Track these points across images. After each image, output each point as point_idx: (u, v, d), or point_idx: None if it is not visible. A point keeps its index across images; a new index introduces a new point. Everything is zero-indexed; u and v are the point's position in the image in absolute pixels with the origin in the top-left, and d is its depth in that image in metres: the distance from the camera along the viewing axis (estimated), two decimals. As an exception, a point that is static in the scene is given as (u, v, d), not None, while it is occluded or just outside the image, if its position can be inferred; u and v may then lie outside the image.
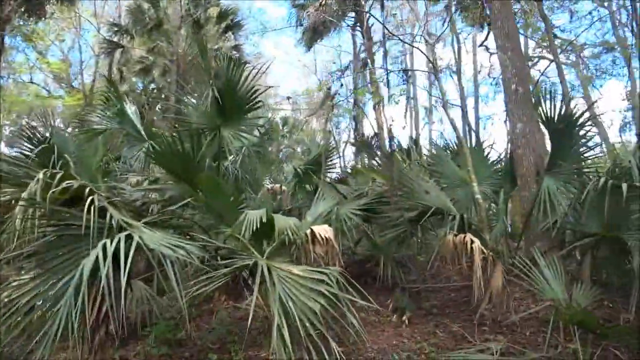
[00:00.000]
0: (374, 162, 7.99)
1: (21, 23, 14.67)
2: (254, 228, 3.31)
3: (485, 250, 3.46)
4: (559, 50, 12.83)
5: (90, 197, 2.59)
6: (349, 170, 7.10)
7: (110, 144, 5.02)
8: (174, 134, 4.14)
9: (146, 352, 3.86)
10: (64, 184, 2.59)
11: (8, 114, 17.03)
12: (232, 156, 4.82)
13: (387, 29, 11.35)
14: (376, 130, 9.81)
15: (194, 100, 5.05)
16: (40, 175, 2.57)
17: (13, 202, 3.59)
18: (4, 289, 2.76)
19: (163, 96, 14.30)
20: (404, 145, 8.45)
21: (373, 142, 9.40)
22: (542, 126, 4.98)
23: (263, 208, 3.55)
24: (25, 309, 2.51)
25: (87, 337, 2.62)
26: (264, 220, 3.34)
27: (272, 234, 3.47)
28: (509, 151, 5.97)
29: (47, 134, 5.02)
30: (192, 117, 4.72)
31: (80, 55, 17.58)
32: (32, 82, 18.86)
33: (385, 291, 4.50)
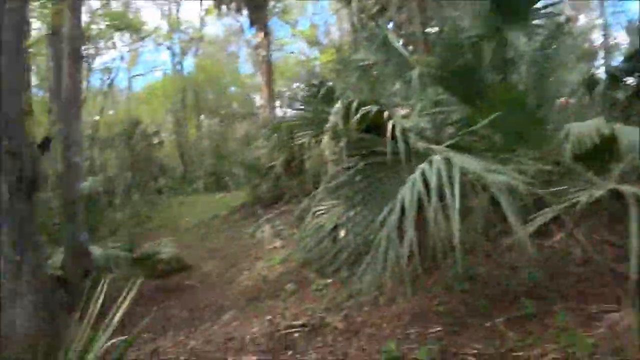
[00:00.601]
0: None
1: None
2: (587, 145, 2.45)
3: None
4: None
5: (391, 122, 2.30)
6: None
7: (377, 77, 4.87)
8: (450, 48, 3.57)
9: (446, 284, 3.62)
10: (361, 111, 2.37)
11: (281, 81, 20.23)
12: (518, 63, 3.91)
13: None
14: None
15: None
16: (339, 105, 2.44)
17: (309, 143, 3.86)
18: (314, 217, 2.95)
19: (403, 32, 13.94)
20: None
21: None
22: None
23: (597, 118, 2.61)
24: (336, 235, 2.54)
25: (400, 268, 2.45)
26: (603, 133, 2.42)
27: (611, 152, 2.52)
28: None
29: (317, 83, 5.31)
30: (463, 26, 4.01)
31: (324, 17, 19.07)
32: (292, 53, 21.91)
33: None
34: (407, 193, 1.98)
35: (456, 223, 1.83)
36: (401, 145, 2.15)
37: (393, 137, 2.21)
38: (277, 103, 13.65)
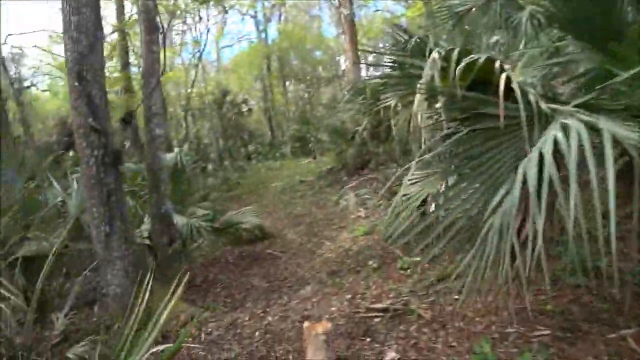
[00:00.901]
0: None
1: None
2: None
3: None
4: None
5: (504, 75, 1.77)
6: None
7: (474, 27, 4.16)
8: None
9: (556, 277, 3.05)
10: (465, 61, 1.86)
11: (366, 41, 19.39)
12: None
13: None
14: None
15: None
16: (435, 55, 1.95)
17: (396, 105, 3.39)
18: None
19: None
20: None
21: None
22: None
23: None
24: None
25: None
26: None
27: None
28: None
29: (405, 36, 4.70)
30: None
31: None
32: (376, 11, 20.74)
33: None
34: (531, 168, 1.48)
35: (612, 210, 1.31)
36: (520, 106, 1.62)
37: (507, 95, 1.69)
38: (363, 64, 13.03)
